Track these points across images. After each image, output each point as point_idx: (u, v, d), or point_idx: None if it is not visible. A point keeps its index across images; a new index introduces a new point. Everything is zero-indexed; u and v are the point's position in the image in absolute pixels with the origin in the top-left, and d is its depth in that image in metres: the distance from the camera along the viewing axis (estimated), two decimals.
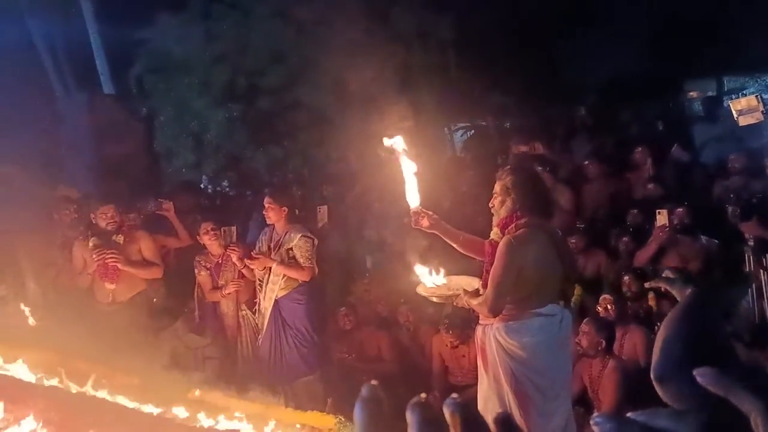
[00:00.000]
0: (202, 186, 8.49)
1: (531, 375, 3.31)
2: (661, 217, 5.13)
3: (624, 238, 5.48)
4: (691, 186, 6.21)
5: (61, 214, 5.20)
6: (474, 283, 3.54)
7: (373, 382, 0.53)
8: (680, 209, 5.27)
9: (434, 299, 3.62)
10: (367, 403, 0.50)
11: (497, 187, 3.42)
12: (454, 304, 3.66)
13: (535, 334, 3.32)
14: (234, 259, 5.15)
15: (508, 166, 3.52)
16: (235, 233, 5.38)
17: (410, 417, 0.49)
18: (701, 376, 0.59)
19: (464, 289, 3.47)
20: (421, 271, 3.59)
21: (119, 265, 4.94)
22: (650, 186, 5.96)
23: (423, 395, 0.52)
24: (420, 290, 3.60)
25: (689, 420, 0.52)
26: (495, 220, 3.45)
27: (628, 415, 0.54)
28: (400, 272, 4.75)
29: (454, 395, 0.52)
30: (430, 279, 3.58)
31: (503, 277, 3.25)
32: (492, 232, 3.48)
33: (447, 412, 0.49)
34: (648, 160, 6.22)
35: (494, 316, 3.35)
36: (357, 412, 0.50)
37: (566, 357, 3.52)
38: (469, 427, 0.48)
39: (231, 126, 7.85)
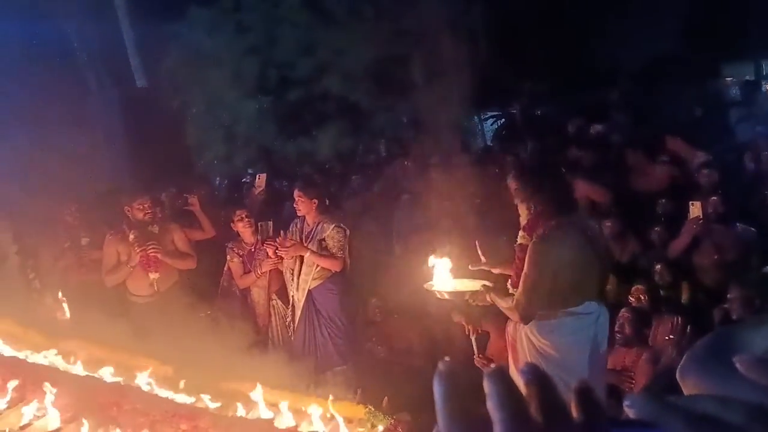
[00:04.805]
0: (244, 180, 8.58)
1: (563, 375, 3.14)
2: (695, 209, 5.00)
3: (656, 228, 5.37)
4: (729, 173, 6.05)
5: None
6: (478, 286, 3.47)
7: (447, 358, 0.52)
8: (714, 198, 5.13)
9: (445, 296, 3.50)
10: (444, 377, 0.50)
11: (512, 193, 3.37)
12: (471, 301, 3.55)
13: (570, 333, 3.25)
14: (270, 253, 5.19)
15: (512, 171, 3.42)
16: (271, 227, 5.40)
17: (489, 387, 0.47)
18: (740, 362, 0.57)
19: (485, 285, 3.40)
20: (432, 263, 3.53)
21: (159, 256, 5.03)
22: (705, 172, 5.69)
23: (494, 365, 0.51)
24: (428, 287, 3.52)
25: (735, 407, 0.50)
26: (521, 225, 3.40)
27: (669, 398, 0.52)
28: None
29: (529, 362, 0.50)
30: (438, 281, 3.51)
31: (536, 282, 3.16)
32: (519, 236, 3.40)
33: (522, 381, 0.48)
34: (687, 149, 6.06)
35: (525, 323, 3.28)
36: (435, 387, 0.49)
37: (601, 356, 3.41)
38: (547, 398, 0.47)
39: (262, 118, 7.91)
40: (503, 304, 3.32)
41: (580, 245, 3.19)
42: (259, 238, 5.31)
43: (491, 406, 0.47)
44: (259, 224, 5.35)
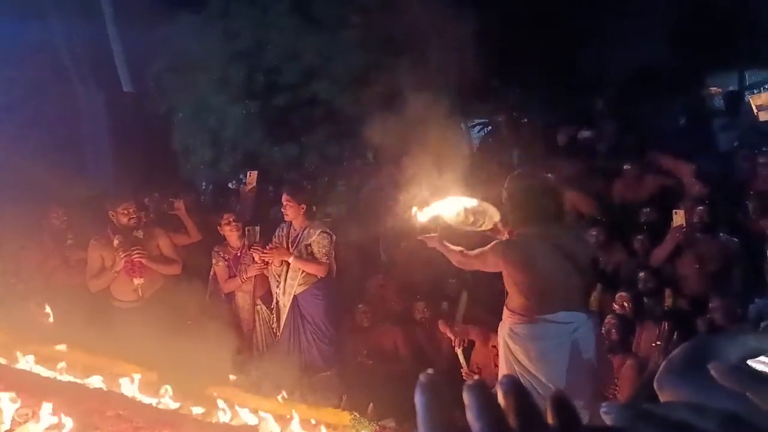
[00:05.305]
0: (230, 186, 8.55)
1: (534, 383, 3.32)
2: (678, 218, 5.05)
3: (639, 237, 5.41)
4: (712, 183, 6.11)
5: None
6: (495, 216, 3.62)
7: (429, 370, 0.54)
8: (700, 208, 5.18)
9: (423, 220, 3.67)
10: (425, 388, 0.50)
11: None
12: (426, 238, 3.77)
13: (546, 340, 3.36)
14: (257, 258, 5.18)
15: (507, 178, 3.61)
16: (258, 233, 5.39)
17: (468, 398, 0.48)
18: (714, 370, 0.58)
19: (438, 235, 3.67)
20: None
21: (144, 261, 5.00)
22: (694, 181, 5.73)
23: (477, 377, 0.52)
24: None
25: (711, 414, 0.51)
26: None
27: (645, 406, 0.53)
28: (414, 269, 4.73)
29: (507, 374, 0.51)
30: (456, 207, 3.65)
31: (481, 259, 3.50)
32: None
33: (500, 393, 0.49)
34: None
35: (457, 265, 3.70)
36: (417, 398, 0.50)
37: (585, 365, 3.46)
38: (523, 408, 0.48)
39: (248, 123, 7.89)
40: (451, 246, 3.63)
41: (542, 256, 3.38)
42: (245, 242, 5.30)
43: (470, 416, 0.48)
44: (246, 229, 5.33)
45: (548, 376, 3.33)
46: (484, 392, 0.48)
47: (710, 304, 4.40)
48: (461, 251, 3.62)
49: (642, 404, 0.53)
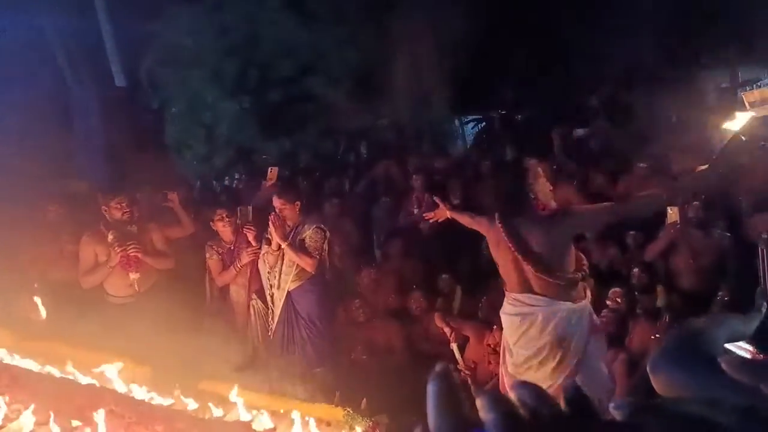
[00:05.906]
0: (214, 184, 8.51)
1: (506, 348, 3.85)
2: (672, 214, 5.06)
3: (632, 232, 5.42)
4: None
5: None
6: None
7: (453, 366, 0.55)
8: (696, 203, 5.20)
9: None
10: (438, 377, 0.52)
11: None
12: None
13: (512, 317, 3.79)
14: (250, 238, 5.16)
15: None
16: (251, 213, 5.32)
17: (480, 400, 0.49)
18: (725, 363, 0.59)
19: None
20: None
21: (139, 255, 4.98)
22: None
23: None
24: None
25: (726, 408, 0.51)
26: None
27: (655, 400, 0.53)
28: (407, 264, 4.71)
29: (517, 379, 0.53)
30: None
31: (480, 220, 3.97)
32: None
33: (511, 394, 0.50)
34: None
35: (465, 224, 4.13)
36: (429, 387, 0.51)
37: (539, 345, 3.72)
38: (535, 397, 0.49)
39: (242, 118, 7.88)
40: (463, 212, 4.23)
41: (496, 241, 3.80)
42: (239, 222, 5.26)
43: (483, 412, 0.49)
44: (238, 208, 5.31)
45: (515, 347, 3.74)
46: (495, 392, 0.50)
47: (720, 294, 4.54)
48: (469, 214, 4.16)
49: (641, 395, 0.53)
